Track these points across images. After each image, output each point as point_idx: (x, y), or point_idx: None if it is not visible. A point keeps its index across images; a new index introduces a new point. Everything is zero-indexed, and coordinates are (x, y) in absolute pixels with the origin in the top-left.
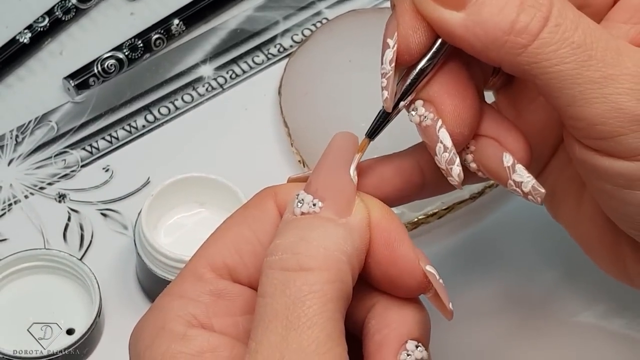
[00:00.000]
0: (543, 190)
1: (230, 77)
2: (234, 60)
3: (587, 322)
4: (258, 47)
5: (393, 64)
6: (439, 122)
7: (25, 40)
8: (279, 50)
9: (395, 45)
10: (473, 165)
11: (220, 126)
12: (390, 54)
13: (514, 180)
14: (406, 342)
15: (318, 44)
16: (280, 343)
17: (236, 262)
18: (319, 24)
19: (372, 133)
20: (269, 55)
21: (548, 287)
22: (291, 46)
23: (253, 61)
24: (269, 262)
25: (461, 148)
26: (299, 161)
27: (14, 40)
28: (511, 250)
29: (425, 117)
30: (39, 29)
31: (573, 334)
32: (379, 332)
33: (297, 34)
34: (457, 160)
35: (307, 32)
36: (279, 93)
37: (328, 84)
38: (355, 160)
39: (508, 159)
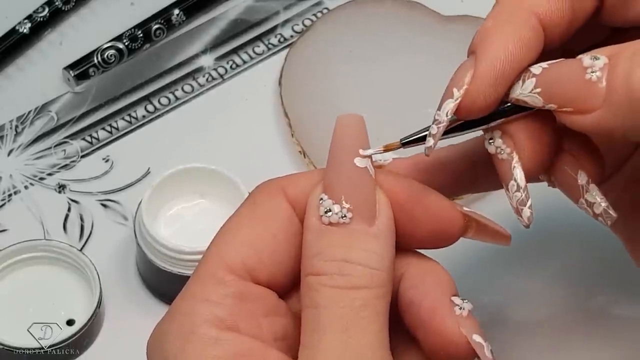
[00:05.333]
0: (615, 215)
1: (231, 67)
2: (234, 51)
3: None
4: (258, 37)
5: (450, 116)
6: (515, 158)
7: (25, 31)
8: (279, 41)
9: (460, 100)
10: (544, 177)
11: (220, 117)
12: (451, 105)
13: (586, 200)
14: (451, 299)
15: (319, 34)
16: (339, 348)
17: (255, 262)
18: (319, 14)
19: (407, 143)
20: (270, 46)
21: (547, 282)
22: (292, 36)
23: (253, 51)
24: (320, 280)
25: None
26: (300, 152)
27: (13, 31)
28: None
29: (502, 150)
30: (39, 19)
31: (567, 324)
32: (425, 298)
33: (297, 24)
34: (529, 202)
35: (307, 22)
36: (280, 83)
37: (329, 74)
38: (371, 151)
39: (582, 178)
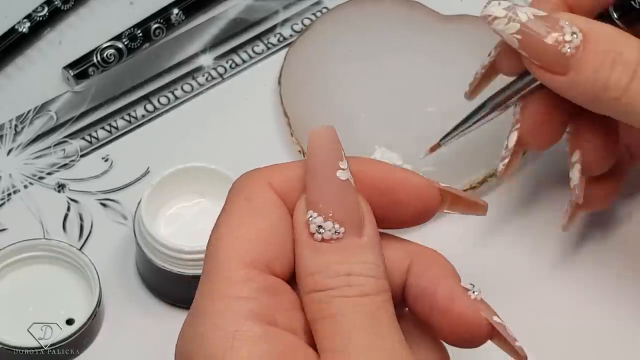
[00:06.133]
0: (578, 196)
1: (230, 66)
2: (233, 50)
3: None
4: (258, 37)
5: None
6: (517, 126)
7: (24, 30)
8: (278, 40)
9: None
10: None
11: (220, 116)
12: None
13: (569, 171)
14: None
15: (318, 34)
16: (369, 348)
17: (269, 255)
18: (319, 14)
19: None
20: (269, 45)
21: (549, 275)
22: (291, 36)
23: (253, 51)
24: (329, 293)
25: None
26: (299, 151)
27: (13, 30)
28: (510, 239)
29: (514, 115)
30: (38, 19)
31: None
32: (439, 285)
33: (297, 24)
34: (506, 161)
35: (307, 22)
36: (279, 83)
37: (328, 73)
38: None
39: (575, 156)
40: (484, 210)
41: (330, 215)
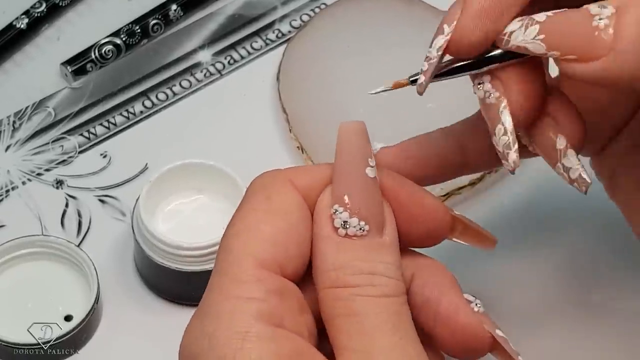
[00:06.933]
0: (589, 181)
1: (229, 62)
2: (232, 46)
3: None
4: (256, 33)
5: (440, 52)
6: (504, 103)
7: (22, 26)
8: (277, 36)
9: (450, 35)
10: (526, 139)
11: (218, 112)
12: (441, 41)
13: (562, 165)
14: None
15: (317, 30)
16: (392, 348)
17: (283, 256)
18: (317, 10)
19: (415, 81)
20: (267, 41)
21: (547, 273)
22: (290, 32)
23: (251, 47)
24: (352, 291)
25: (521, 129)
26: (298, 147)
27: (11, 26)
28: (509, 237)
29: (490, 94)
30: (36, 15)
31: (570, 316)
32: (443, 296)
33: (295, 20)
34: (516, 146)
35: (305, 18)
36: (278, 79)
37: (327, 69)
38: (380, 89)
39: (561, 142)
40: (492, 245)
41: (357, 211)
